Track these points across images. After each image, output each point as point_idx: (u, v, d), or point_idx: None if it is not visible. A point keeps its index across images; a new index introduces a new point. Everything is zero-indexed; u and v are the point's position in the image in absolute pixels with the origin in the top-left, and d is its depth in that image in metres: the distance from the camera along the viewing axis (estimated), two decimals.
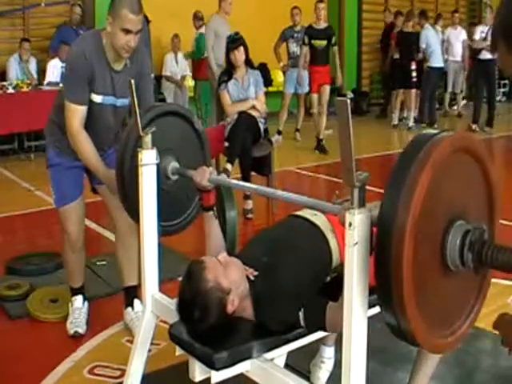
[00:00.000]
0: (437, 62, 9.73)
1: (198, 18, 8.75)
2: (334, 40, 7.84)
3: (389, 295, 1.35)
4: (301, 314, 1.82)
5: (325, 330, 1.86)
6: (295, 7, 8.46)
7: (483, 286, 1.60)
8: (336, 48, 7.97)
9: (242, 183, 2.30)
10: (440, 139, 1.38)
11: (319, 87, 7.94)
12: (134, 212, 2.36)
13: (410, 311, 1.34)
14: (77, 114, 2.71)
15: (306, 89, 8.48)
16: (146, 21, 7.72)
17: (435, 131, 1.42)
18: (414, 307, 1.34)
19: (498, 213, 1.59)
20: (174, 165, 2.31)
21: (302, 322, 1.83)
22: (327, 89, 7.96)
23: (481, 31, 9.53)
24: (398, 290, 1.33)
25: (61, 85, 7.63)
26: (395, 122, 10.10)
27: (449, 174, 1.41)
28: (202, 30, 8.56)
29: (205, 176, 2.13)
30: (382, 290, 1.38)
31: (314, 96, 8.04)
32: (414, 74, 9.64)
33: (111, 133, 2.93)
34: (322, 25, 7.86)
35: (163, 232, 2.41)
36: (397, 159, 1.39)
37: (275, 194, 1.95)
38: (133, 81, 2.23)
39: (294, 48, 8.43)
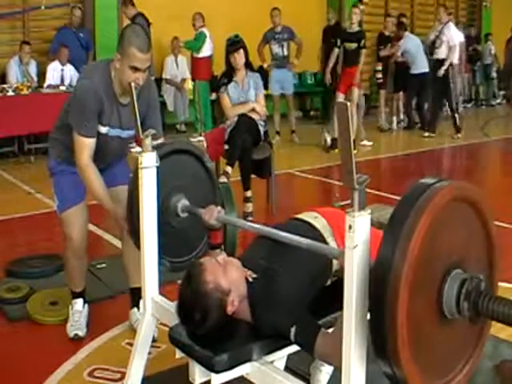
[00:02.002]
0: (418, 68, 9.67)
1: (201, 17, 8.72)
2: (362, 43, 8.03)
3: (383, 343, 1.36)
4: (293, 330, 1.80)
5: (311, 355, 1.83)
6: (274, 8, 8.61)
7: (481, 336, 1.60)
8: (363, 50, 8.08)
9: (247, 224, 2.33)
10: (439, 188, 1.40)
11: (347, 88, 8.09)
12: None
13: (404, 360, 1.34)
14: (86, 147, 2.73)
15: (291, 90, 8.66)
16: (147, 23, 7.74)
17: (434, 180, 1.43)
18: (408, 356, 1.35)
19: (497, 263, 1.60)
20: (183, 202, 2.32)
21: (292, 337, 1.82)
22: (354, 90, 8.08)
23: (437, 30, 9.48)
24: (392, 339, 1.33)
25: (62, 88, 7.65)
26: (389, 124, 10.13)
27: (447, 223, 1.42)
28: (202, 29, 8.60)
29: (213, 215, 2.18)
30: (376, 337, 1.38)
31: (340, 95, 8.12)
32: (379, 75, 9.74)
33: (117, 155, 2.98)
34: (355, 28, 8.10)
35: (172, 268, 2.43)
36: (395, 206, 1.41)
37: (277, 235, 1.97)
38: (133, 84, 2.23)
39: (277, 49, 8.60)
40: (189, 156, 2.45)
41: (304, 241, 1.85)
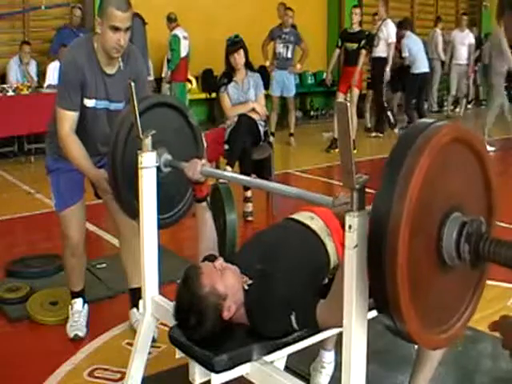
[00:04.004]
0: (419, 68, 9.63)
1: (171, 19, 8.52)
2: (362, 43, 8.03)
3: (383, 291, 1.31)
4: (293, 317, 1.81)
5: (318, 328, 1.84)
6: (288, 8, 8.51)
7: (480, 281, 1.55)
8: (363, 51, 8.07)
9: (235, 175, 2.32)
10: (438, 127, 1.35)
11: (347, 88, 8.09)
12: (127, 208, 2.41)
13: (404, 308, 1.30)
14: (67, 119, 2.74)
15: (292, 92, 8.54)
16: (143, 23, 7.70)
17: (432, 120, 1.38)
18: (408, 304, 1.30)
19: (496, 208, 1.54)
20: (166, 157, 2.30)
21: (295, 326, 1.82)
22: (355, 91, 8.08)
23: (375, 27, 9.28)
24: (392, 286, 1.28)
25: None
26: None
27: (446, 164, 1.37)
28: (175, 31, 8.41)
29: (197, 169, 2.14)
30: (375, 285, 1.34)
31: (340, 95, 8.11)
32: (369, 75, 9.73)
33: (108, 137, 2.93)
34: (356, 29, 8.13)
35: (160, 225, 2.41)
36: (393, 147, 1.35)
37: (268, 186, 1.97)
38: (133, 84, 2.23)
39: (281, 49, 8.43)
40: (172, 110, 2.44)
41: (293, 190, 1.82)
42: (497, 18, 1.09)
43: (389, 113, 9.41)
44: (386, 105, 9.35)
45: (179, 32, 8.46)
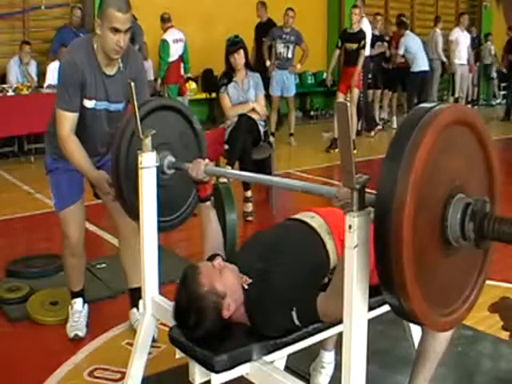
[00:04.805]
0: (419, 66, 9.62)
1: (164, 20, 8.46)
2: (362, 43, 8.02)
3: (388, 269, 1.31)
4: (293, 313, 1.81)
5: (319, 322, 1.84)
6: (289, 9, 8.50)
7: (484, 264, 1.56)
8: (362, 51, 8.06)
9: (238, 172, 2.33)
10: (441, 109, 1.37)
11: (347, 88, 8.10)
12: (129, 209, 2.40)
13: (409, 286, 1.30)
14: (66, 120, 2.74)
15: (292, 92, 8.54)
16: (134, 18, 7.64)
17: (434, 103, 1.41)
18: (413, 282, 1.31)
19: (498, 189, 1.55)
20: (170, 159, 2.31)
21: (296, 322, 1.83)
22: (354, 91, 8.10)
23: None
24: (397, 263, 1.29)
25: None
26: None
27: (448, 146, 1.38)
28: (165, 35, 8.35)
29: (200, 168, 2.15)
30: (380, 263, 1.34)
31: (340, 95, 8.12)
32: (370, 75, 9.69)
33: (107, 137, 2.93)
34: (355, 29, 8.11)
35: (163, 228, 2.41)
36: (397, 128, 1.37)
37: (271, 180, 1.99)
38: (133, 83, 2.23)
39: (281, 49, 8.42)
40: (174, 113, 2.45)
41: (298, 183, 1.81)
42: (496, 1, 1.08)
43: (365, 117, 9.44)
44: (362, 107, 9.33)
45: (170, 36, 8.40)
